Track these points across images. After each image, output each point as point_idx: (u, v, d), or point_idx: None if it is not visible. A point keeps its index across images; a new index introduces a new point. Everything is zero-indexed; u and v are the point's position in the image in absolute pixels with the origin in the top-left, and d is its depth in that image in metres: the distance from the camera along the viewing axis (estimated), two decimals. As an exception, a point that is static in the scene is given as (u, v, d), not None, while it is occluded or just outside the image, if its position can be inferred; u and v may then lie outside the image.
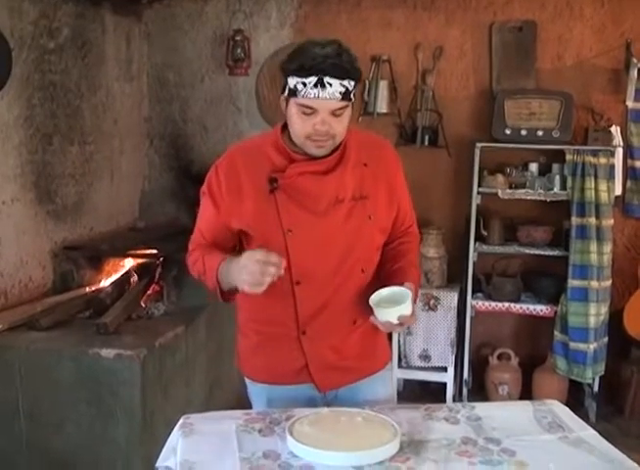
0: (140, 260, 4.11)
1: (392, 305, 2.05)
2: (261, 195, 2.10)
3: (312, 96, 1.96)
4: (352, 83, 2.01)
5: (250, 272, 1.92)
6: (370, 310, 2.07)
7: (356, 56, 2.06)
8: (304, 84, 1.96)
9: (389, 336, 2.44)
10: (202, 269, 2.16)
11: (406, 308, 2.05)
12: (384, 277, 2.19)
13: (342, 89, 1.97)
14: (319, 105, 1.98)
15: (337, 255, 2.13)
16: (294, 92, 2.00)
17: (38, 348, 3.21)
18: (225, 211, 2.16)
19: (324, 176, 2.10)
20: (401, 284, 2.10)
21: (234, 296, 2.17)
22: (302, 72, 1.96)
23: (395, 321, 2.04)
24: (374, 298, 2.08)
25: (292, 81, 1.99)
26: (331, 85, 1.95)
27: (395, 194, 2.24)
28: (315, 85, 1.95)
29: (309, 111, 1.99)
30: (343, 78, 1.97)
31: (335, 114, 2.00)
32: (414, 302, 2.17)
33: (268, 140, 2.18)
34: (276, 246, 2.08)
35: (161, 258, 3.99)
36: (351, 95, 2.02)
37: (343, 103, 2.00)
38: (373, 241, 2.20)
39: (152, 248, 4.10)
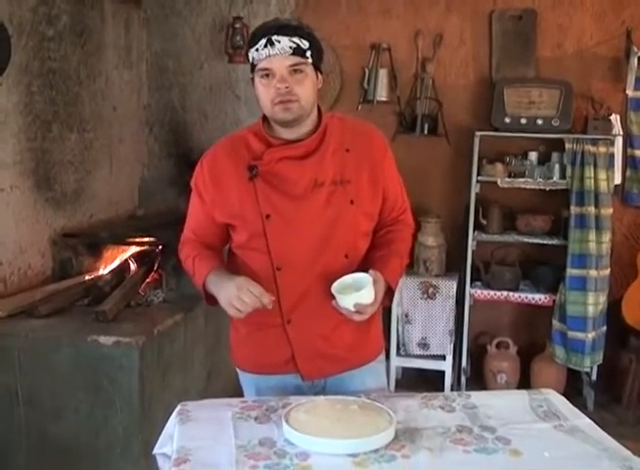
0: (139, 248, 4.11)
1: (354, 291, 2.05)
2: (242, 183, 2.13)
3: (264, 56, 2.03)
4: (305, 43, 2.05)
5: (239, 300, 2.01)
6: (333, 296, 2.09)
7: (312, 29, 2.13)
8: (257, 50, 2.05)
9: (388, 326, 2.41)
10: (191, 271, 2.24)
11: (364, 296, 2.04)
12: (366, 265, 2.18)
13: (293, 44, 2.03)
14: (272, 63, 2.04)
15: (317, 239, 2.13)
16: (252, 64, 2.09)
17: (37, 335, 3.21)
18: (210, 203, 2.20)
19: (302, 161, 2.13)
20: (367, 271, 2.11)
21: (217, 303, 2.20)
22: (254, 41, 2.06)
23: (352, 308, 2.05)
24: (336, 284, 2.08)
25: (250, 56, 2.09)
26: (279, 42, 2.02)
27: (381, 181, 2.23)
28: (265, 46, 2.03)
29: (266, 73, 2.05)
30: (292, 35, 2.03)
31: (291, 72, 2.04)
32: (392, 290, 2.20)
33: (251, 130, 2.22)
34: (256, 232, 2.13)
35: (161, 246, 3.99)
36: (306, 53, 2.05)
37: (297, 58, 2.04)
38: (357, 226, 2.19)
39: (151, 235, 4.09)
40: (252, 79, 2.12)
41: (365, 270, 2.12)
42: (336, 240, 2.15)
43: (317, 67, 2.12)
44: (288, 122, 2.11)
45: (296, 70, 2.05)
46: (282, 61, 2.03)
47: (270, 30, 2.03)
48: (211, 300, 2.18)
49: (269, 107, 2.08)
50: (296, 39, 2.03)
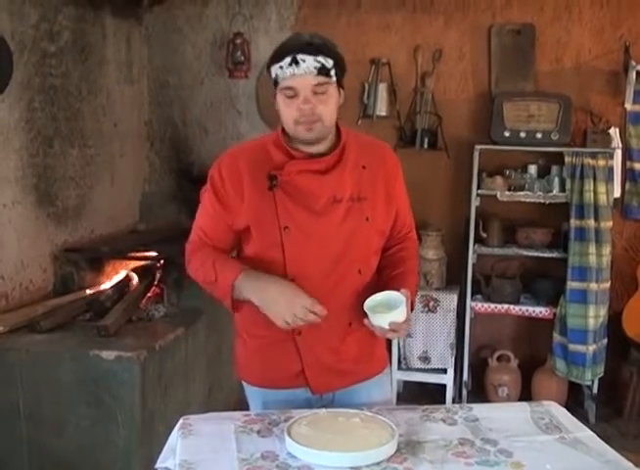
0: (140, 263, 4.12)
1: (387, 309, 2.06)
2: (261, 192, 2.12)
3: (289, 75, 2.03)
4: (329, 61, 2.04)
5: (291, 315, 2.00)
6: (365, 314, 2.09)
7: (335, 44, 2.13)
8: (281, 67, 2.03)
9: (389, 340, 2.41)
10: (212, 277, 2.14)
11: (398, 315, 2.05)
12: (383, 283, 2.20)
13: (317, 64, 2.02)
14: (297, 83, 2.03)
15: (332, 254, 2.14)
16: (275, 80, 2.08)
17: (39, 350, 3.22)
18: (229, 206, 2.16)
19: (323, 175, 2.13)
20: (398, 290, 2.11)
21: (242, 306, 2.16)
22: (278, 57, 2.05)
23: (386, 327, 2.05)
24: (368, 302, 2.09)
25: (273, 71, 2.07)
26: (304, 61, 2.01)
27: (394, 198, 2.25)
28: (290, 64, 2.02)
29: (291, 93, 2.05)
30: (317, 55, 2.02)
31: (315, 91, 2.04)
32: (411, 308, 2.19)
33: (270, 139, 2.21)
34: (272, 242, 2.12)
35: (162, 261, 4.00)
36: (330, 72, 2.05)
37: (321, 78, 2.04)
38: (370, 243, 2.21)
39: (152, 250, 4.11)
40: (274, 94, 2.11)
41: (396, 288, 2.12)
42: (350, 256, 2.16)
43: (340, 83, 2.12)
44: (310, 142, 2.11)
45: (319, 90, 2.04)
46: (306, 80, 2.02)
47: (295, 48, 2.02)
48: (236, 305, 2.14)
49: (292, 126, 2.08)
50: (320, 58, 2.02)
